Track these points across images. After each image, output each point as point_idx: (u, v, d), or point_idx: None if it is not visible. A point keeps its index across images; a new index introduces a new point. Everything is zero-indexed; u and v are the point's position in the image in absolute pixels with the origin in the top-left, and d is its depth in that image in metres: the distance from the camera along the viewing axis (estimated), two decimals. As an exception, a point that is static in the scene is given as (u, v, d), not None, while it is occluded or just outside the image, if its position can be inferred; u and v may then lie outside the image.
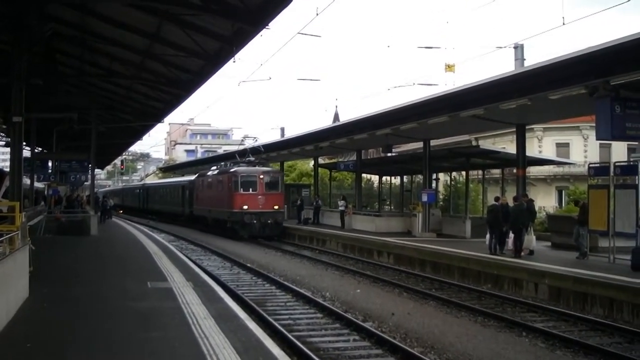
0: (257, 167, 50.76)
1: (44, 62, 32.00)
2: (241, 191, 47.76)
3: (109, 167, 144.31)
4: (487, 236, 29.11)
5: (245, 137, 58.67)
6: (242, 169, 49.83)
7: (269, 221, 47.35)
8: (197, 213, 60.88)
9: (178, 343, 12.13)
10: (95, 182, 59.03)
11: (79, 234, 38.10)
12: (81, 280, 20.58)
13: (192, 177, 67.44)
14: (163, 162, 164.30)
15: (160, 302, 16.60)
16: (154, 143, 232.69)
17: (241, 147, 58.23)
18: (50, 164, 54.81)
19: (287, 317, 18.99)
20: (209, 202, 55.75)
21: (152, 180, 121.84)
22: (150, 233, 47.65)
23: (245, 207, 47.28)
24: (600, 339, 17.04)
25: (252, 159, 52.62)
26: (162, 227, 61.90)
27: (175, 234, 53.46)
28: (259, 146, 54.37)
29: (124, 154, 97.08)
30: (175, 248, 35.40)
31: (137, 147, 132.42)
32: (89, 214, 42.67)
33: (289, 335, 15.85)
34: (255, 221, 46.94)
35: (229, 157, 66.51)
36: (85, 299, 17.04)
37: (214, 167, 59.58)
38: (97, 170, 73.99)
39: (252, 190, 47.85)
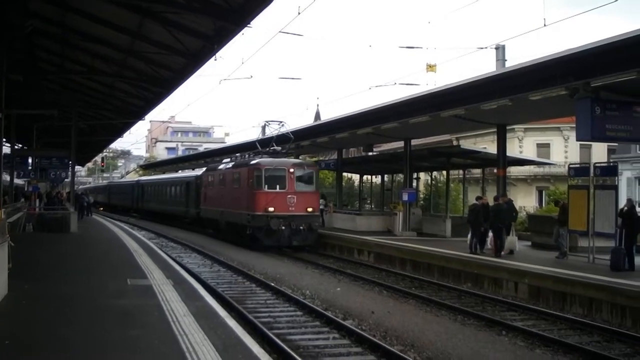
0: (285, 159, 39.92)
1: (24, 58, 31.86)
2: (265, 189, 37.50)
3: (89, 164, 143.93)
4: (469, 235, 29.21)
5: (268, 122, 45.44)
6: (266, 160, 39.11)
7: (301, 227, 37.26)
8: (205, 215, 50.30)
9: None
10: (76, 179, 58.73)
11: (59, 231, 37.90)
12: (61, 277, 20.46)
13: (199, 172, 58.36)
14: (144, 159, 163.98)
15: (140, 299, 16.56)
16: (134, 140, 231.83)
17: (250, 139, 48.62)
18: (30, 160, 54.61)
19: (267, 314, 18.96)
20: (221, 202, 45.32)
21: (156, 174, 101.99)
22: (134, 232, 47.25)
23: (271, 209, 36.83)
24: (580, 338, 17.13)
25: (277, 148, 41.60)
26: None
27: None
28: (287, 133, 41.97)
29: (104, 151, 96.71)
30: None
31: (118, 145, 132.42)
32: (68, 211, 42.47)
33: (269, 333, 15.85)
34: (283, 227, 36.80)
35: (245, 147, 54.38)
36: (64, 296, 16.92)
37: (227, 160, 49.65)
38: (77, 167, 73.73)
39: (280, 188, 37.60)
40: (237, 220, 40.95)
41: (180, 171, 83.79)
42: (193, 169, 73.79)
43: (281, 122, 43.16)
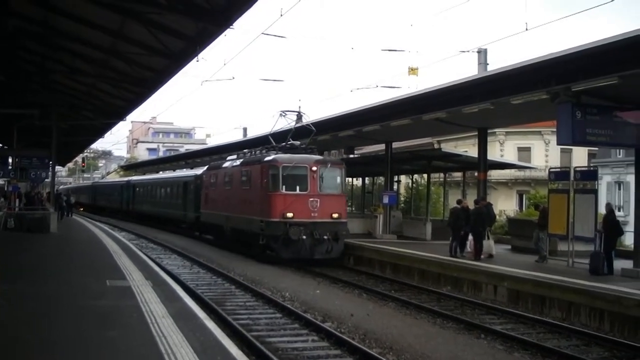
0: (306, 155, 34.39)
1: (5, 58, 31.69)
2: (283, 190, 32.24)
3: (70, 165, 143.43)
4: (451, 238, 29.28)
5: (284, 112, 37.61)
6: (284, 156, 33.51)
7: (326, 237, 31.69)
8: (206, 220, 44.75)
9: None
10: (57, 179, 58.42)
11: (39, 232, 37.78)
12: (40, 278, 20.37)
13: (199, 171, 52.27)
14: (125, 160, 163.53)
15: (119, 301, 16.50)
16: (115, 141, 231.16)
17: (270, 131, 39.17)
18: (10, 160, 54.30)
19: (246, 317, 18.92)
20: (226, 206, 39.52)
21: (149, 173, 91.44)
22: (114, 233, 47.09)
23: (290, 214, 31.64)
24: (558, 342, 17.16)
25: (296, 143, 35.84)
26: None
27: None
28: (307, 125, 36.12)
29: (85, 151, 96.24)
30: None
31: (99, 145, 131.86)
32: (48, 212, 42.32)
33: (248, 335, 15.81)
34: (304, 237, 31.35)
35: (254, 143, 46.06)
36: (43, 296, 16.87)
37: (232, 157, 43.24)
38: (58, 168, 73.39)
39: (301, 190, 32.42)
40: (247, 227, 35.29)
41: (177, 170, 76.12)
42: (192, 168, 69.84)
43: (299, 112, 38.36)
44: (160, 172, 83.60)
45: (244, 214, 35.84)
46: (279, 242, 31.65)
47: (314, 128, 35.04)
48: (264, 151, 36.45)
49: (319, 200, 32.21)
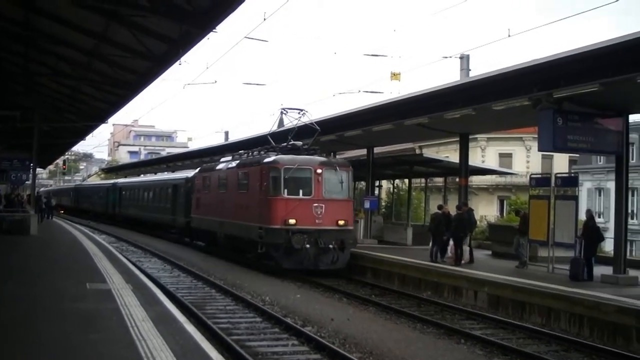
0: (309, 156, 31.71)
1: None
2: (285, 195, 29.81)
3: (51, 167, 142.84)
4: (431, 244, 29.34)
5: (285, 110, 34.85)
6: (286, 157, 30.94)
7: (331, 245, 29.26)
8: (197, 225, 42.00)
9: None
10: (37, 181, 58.15)
11: (19, 234, 37.58)
12: (20, 280, 20.24)
13: (189, 173, 49.13)
14: (106, 162, 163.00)
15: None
16: (97, 143, 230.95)
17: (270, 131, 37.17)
18: (-10, 162, 54.13)
19: (226, 320, 18.89)
20: (219, 211, 37.04)
21: (133, 176, 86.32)
22: (94, 236, 46.87)
23: (293, 221, 29.27)
24: (538, 347, 17.23)
25: (298, 143, 33.22)
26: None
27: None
28: (310, 123, 32.96)
29: (66, 153, 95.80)
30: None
31: (80, 147, 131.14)
32: (29, 214, 42.15)
33: (228, 339, 15.77)
34: (308, 245, 29.02)
35: (251, 143, 43.40)
36: (23, 299, 16.75)
37: (227, 158, 40.37)
38: (38, 170, 72.98)
39: (304, 194, 30.02)
40: (244, 234, 32.82)
41: (167, 173, 71.90)
42: (173, 171, 68.67)
43: (302, 110, 33.89)
44: (148, 175, 79.16)
45: (240, 219, 33.37)
46: (280, 251, 29.29)
47: (317, 127, 32.25)
48: (262, 152, 34.05)
49: (324, 205, 29.79)
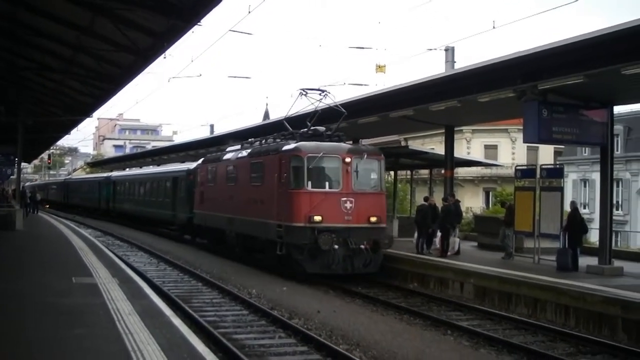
0: (335, 143, 27.84)
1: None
2: (309, 187, 25.98)
3: (36, 162, 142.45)
4: (415, 235, 29.36)
5: (305, 90, 30.10)
6: (310, 144, 27.04)
7: (362, 246, 25.52)
8: (201, 222, 38.39)
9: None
10: (22, 176, 57.88)
11: (4, 229, 37.45)
12: (5, 275, 20.19)
13: (191, 165, 45.23)
14: (91, 157, 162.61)
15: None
16: (82, 137, 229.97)
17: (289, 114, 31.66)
18: (-26, 157, 53.94)
19: (212, 314, 18.91)
20: (228, 206, 33.21)
21: (132, 168, 78.20)
22: (80, 230, 46.74)
23: (319, 218, 25.48)
24: (524, 338, 17.32)
25: (321, 128, 29.26)
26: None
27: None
28: (335, 106, 29.21)
29: (51, 148, 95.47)
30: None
31: (65, 142, 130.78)
32: (14, 208, 42.03)
33: (215, 332, 15.78)
34: (336, 247, 25.03)
35: (260, 131, 39.20)
36: (8, 294, 16.71)
37: (236, 147, 35.80)
38: (23, 164, 72.73)
39: (332, 187, 26.44)
40: (258, 233, 29.38)
41: (165, 165, 65.31)
42: (158, 165, 66.65)
43: (324, 90, 30.07)
44: (144, 167, 71.80)
45: (254, 216, 29.68)
46: (304, 253, 25.43)
47: (344, 110, 28.66)
48: (278, 139, 30.02)
49: (354, 200, 26.03)
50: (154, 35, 24.75)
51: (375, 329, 17.37)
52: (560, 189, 26.48)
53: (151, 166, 70.55)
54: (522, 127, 24.29)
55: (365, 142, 42.62)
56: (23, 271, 21.31)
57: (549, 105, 22.24)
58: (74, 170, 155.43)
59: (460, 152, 54.37)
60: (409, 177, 52.59)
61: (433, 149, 46.32)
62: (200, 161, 41.17)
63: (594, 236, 30.32)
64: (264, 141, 31.59)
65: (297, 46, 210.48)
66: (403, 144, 67.98)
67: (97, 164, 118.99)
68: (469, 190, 70.27)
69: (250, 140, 34.05)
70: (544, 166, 27.22)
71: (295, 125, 29.97)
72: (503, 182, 65.26)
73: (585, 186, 66.35)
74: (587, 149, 61.31)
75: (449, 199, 29.26)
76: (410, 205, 47.76)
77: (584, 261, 24.07)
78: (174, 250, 37.17)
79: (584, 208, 57.57)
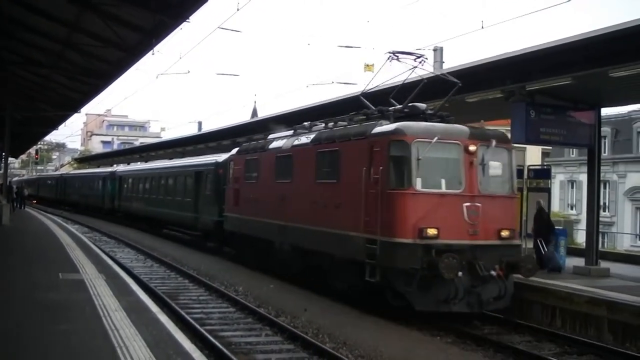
0: (449, 125, 19.67)
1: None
2: (418, 187, 17.95)
3: (23, 157, 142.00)
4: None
5: (394, 54, 21.74)
6: (418, 125, 19.02)
7: (494, 272, 17.86)
8: (234, 228, 30.45)
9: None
10: (9, 171, 57.67)
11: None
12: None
13: (219, 157, 36.71)
14: (79, 152, 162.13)
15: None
16: (69, 133, 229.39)
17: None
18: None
19: (199, 310, 18.91)
20: (280, 210, 24.86)
21: (143, 162, 67.60)
22: (67, 226, 46.57)
23: (434, 231, 17.58)
24: (510, 337, 17.35)
25: (422, 106, 21.06)
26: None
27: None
28: (445, 74, 21.85)
29: (39, 143, 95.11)
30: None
31: (53, 137, 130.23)
32: (0, 204, 41.92)
33: (201, 329, 15.77)
34: (460, 273, 17.07)
35: (334, 107, 29.98)
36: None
37: (285, 133, 27.10)
38: (10, 159, 72.34)
39: (450, 187, 18.46)
40: (333, 249, 20.95)
41: (181, 159, 52.37)
42: (146, 161, 61.42)
43: (421, 55, 22.06)
44: (158, 161, 60.17)
45: (323, 225, 21.44)
46: (414, 282, 17.40)
47: (457, 80, 20.62)
48: (357, 121, 22.17)
49: (481, 205, 18.31)
50: (142, 32, 24.76)
51: (362, 328, 17.38)
52: (548, 190, 26.53)
53: (168, 159, 57.93)
54: (509, 128, 24.30)
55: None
56: (9, 266, 21.31)
57: (536, 106, 22.36)
58: (62, 165, 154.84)
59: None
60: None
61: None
62: (234, 151, 32.28)
63: (581, 237, 30.39)
64: (331, 124, 23.69)
65: (285, 44, 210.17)
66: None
67: (84, 159, 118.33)
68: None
69: (305, 123, 25.81)
70: (531, 167, 27.26)
71: (374, 102, 22.68)
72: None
73: (572, 187, 66.58)
74: (574, 150, 61.50)
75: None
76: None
77: (571, 262, 24.15)
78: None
79: (571, 209, 57.79)
